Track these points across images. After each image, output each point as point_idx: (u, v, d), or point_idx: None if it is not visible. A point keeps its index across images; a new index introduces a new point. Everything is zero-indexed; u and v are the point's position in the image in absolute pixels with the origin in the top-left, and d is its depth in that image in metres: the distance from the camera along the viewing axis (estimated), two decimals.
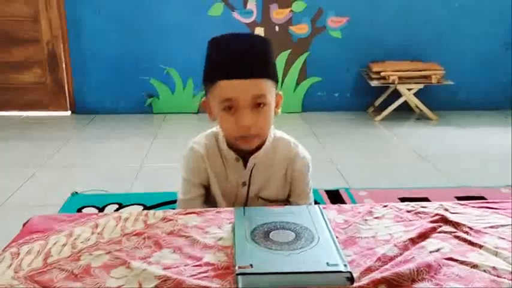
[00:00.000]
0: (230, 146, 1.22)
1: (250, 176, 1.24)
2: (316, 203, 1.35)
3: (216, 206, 1.27)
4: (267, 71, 1.12)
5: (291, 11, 3.92)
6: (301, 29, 3.99)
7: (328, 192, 2.38)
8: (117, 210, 2.17)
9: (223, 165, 1.24)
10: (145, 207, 2.19)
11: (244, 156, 1.22)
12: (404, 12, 3.96)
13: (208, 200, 1.29)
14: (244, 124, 1.09)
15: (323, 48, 4.00)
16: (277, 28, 3.96)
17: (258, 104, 1.10)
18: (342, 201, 2.28)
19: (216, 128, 1.27)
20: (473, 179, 2.62)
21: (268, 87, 1.12)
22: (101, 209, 2.18)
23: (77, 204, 2.22)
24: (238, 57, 1.09)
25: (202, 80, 1.16)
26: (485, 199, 2.19)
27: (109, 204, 2.23)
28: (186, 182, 1.27)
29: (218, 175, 1.25)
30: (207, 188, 1.28)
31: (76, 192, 2.35)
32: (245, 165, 1.23)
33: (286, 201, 1.30)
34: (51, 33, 3.91)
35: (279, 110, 1.21)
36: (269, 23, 3.94)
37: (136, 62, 3.95)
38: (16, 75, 3.95)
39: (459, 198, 2.28)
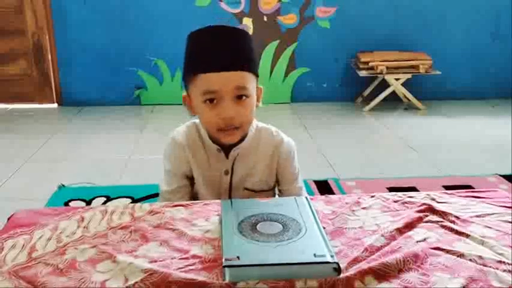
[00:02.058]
0: (211, 138, 1.22)
1: (233, 165, 1.24)
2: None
3: (199, 197, 1.27)
4: (247, 64, 1.13)
5: (279, 1, 3.90)
6: (289, 19, 3.97)
7: (317, 182, 2.39)
8: (104, 203, 2.16)
9: (205, 154, 1.24)
10: (134, 200, 2.18)
11: (226, 147, 1.22)
12: (392, 2, 3.96)
13: (192, 191, 1.28)
14: (227, 115, 1.10)
15: (311, 38, 3.99)
16: (265, 18, 3.94)
17: (240, 96, 1.11)
18: (331, 192, 2.29)
19: (198, 119, 1.27)
20: (460, 168, 2.64)
21: (249, 79, 1.13)
22: (89, 202, 2.16)
23: (64, 198, 2.21)
24: (219, 50, 1.10)
25: (182, 75, 1.17)
26: (473, 188, 2.21)
27: (97, 197, 2.22)
28: (169, 173, 1.26)
29: (200, 164, 1.24)
30: (190, 179, 1.27)
31: (63, 185, 2.33)
32: (227, 155, 1.23)
33: (274, 190, 1.30)
34: (36, 25, 3.85)
35: (259, 103, 1.22)
36: (257, 13, 3.92)
37: (124, 53, 3.91)
38: (1, 67, 3.89)
39: (447, 188, 2.29)
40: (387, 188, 2.31)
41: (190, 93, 1.16)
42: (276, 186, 1.31)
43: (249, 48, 1.15)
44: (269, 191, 1.29)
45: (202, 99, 1.12)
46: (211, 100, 1.11)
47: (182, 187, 1.26)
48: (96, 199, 2.20)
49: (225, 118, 1.11)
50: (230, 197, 1.26)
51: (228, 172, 1.24)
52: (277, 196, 1.32)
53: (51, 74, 3.96)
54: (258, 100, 1.20)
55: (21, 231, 0.97)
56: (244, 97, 1.12)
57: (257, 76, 1.18)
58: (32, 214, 1.05)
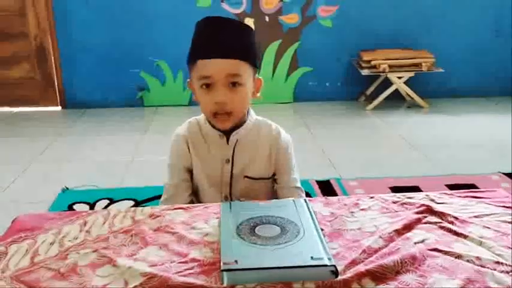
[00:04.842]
0: (212, 125, 1.28)
1: (234, 153, 1.29)
2: (306, 194, 1.37)
3: (200, 190, 1.33)
4: (243, 53, 1.19)
5: (281, 0, 3.90)
6: (291, 19, 3.97)
7: (319, 182, 2.39)
8: (108, 205, 2.17)
9: (205, 144, 1.30)
10: (137, 202, 2.19)
11: (228, 134, 1.27)
12: (394, 0, 3.95)
13: (193, 185, 1.33)
14: (219, 100, 1.18)
15: (313, 37, 3.99)
16: (267, 18, 3.94)
17: (234, 83, 1.18)
18: (333, 192, 2.29)
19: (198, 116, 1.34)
20: (464, 167, 2.64)
21: (244, 69, 1.19)
22: (92, 205, 2.17)
23: (68, 200, 2.22)
24: (215, 38, 1.17)
25: (187, 62, 1.23)
26: (476, 187, 2.21)
27: (100, 199, 2.22)
28: (171, 166, 1.33)
29: (201, 155, 1.30)
30: (191, 173, 1.32)
31: (67, 188, 2.34)
32: (228, 142, 1.28)
33: (272, 180, 1.34)
34: (39, 27, 3.87)
35: (259, 94, 1.28)
36: (259, 14, 3.92)
37: (126, 55, 3.92)
38: (4, 71, 3.91)
39: (450, 187, 2.29)
40: (390, 188, 2.31)
41: (192, 78, 1.23)
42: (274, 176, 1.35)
43: (246, 39, 1.20)
44: (269, 179, 1.33)
45: (200, 84, 1.19)
46: (207, 85, 1.18)
47: (183, 181, 1.32)
48: (100, 202, 2.21)
49: (217, 103, 1.18)
50: (231, 187, 1.31)
51: (228, 161, 1.29)
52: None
53: (54, 76, 3.98)
54: (257, 91, 1.27)
55: (25, 236, 0.98)
56: (237, 84, 1.18)
57: (255, 67, 1.23)
58: (36, 218, 1.06)
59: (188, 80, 1.28)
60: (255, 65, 1.23)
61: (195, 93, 1.25)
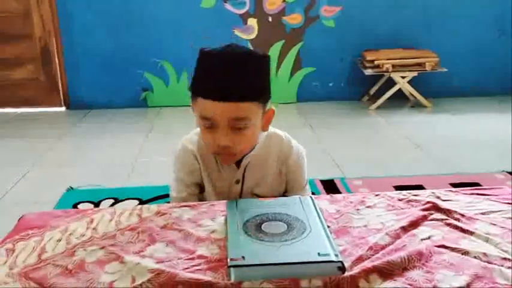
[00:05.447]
0: None
1: (244, 174, 1.23)
2: (311, 193, 1.36)
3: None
4: (250, 94, 1.06)
5: (284, 1, 3.90)
6: (294, 19, 3.97)
7: (323, 182, 2.39)
8: (112, 204, 2.17)
9: (216, 164, 1.23)
10: (141, 201, 2.19)
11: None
12: (397, 0, 3.95)
13: (201, 198, 1.28)
14: (222, 144, 1.07)
15: (316, 37, 3.99)
16: (270, 19, 3.95)
17: (238, 125, 1.07)
18: (337, 191, 2.29)
19: None
20: (468, 166, 2.63)
21: (253, 110, 1.07)
22: (97, 204, 2.18)
23: (73, 200, 2.22)
24: (220, 78, 1.03)
25: (189, 88, 1.12)
26: (480, 185, 2.21)
27: (105, 199, 2.23)
28: (179, 181, 1.25)
29: (211, 174, 1.23)
30: (199, 186, 1.26)
31: (71, 188, 2.35)
32: (238, 164, 1.21)
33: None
34: (44, 29, 3.88)
35: (269, 126, 1.18)
36: (262, 14, 3.93)
37: (130, 56, 3.94)
38: (9, 72, 3.93)
39: (454, 185, 2.28)
40: (394, 187, 2.30)
41: (193, 108, 1.12)
42: (285, 193, 1.30)
43: (255, 76, 1.08)
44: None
45: (201, 122, 1.10)
46: (208, 125, 1.08)
47: (192, 195, 1.25)
48: (104, 201, 2.21)
49: (220, 146, 1.08)
50: None
51: (238, 181, 1.23)
52: None
53: (59, 78, 4.00)
54: (268, 122, 1.16)
55: (32, 233, 0.98)
56: (243, 126, 1.07)
57: (266, 101, 1.11)
58: (42, 216, 1.07)
59: (192, 103, 1.13)
60: (266, 99, 1.10)
61: (196, 121, 1.13)
